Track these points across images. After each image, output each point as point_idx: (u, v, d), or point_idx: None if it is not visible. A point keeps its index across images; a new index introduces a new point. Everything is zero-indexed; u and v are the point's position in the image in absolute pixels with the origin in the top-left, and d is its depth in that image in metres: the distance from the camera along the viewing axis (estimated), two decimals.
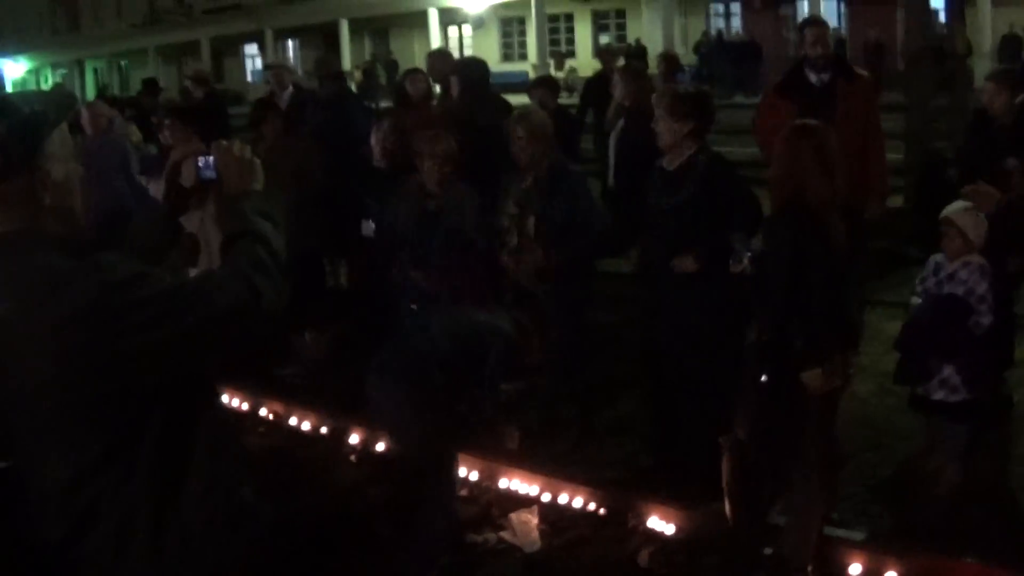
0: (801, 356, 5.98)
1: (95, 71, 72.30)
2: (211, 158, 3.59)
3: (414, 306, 8.24)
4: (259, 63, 59.74)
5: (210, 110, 13.99)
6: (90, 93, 63.86)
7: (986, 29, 35.32)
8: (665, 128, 7.29)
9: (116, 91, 57.51)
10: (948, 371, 6.53)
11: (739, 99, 37.63)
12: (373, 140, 9.10)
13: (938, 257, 6.76)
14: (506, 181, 8.39)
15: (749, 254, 6.50)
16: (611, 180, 10.91)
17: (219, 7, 61.12)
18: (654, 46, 34.94)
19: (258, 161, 3.57)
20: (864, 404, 8.57)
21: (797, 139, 6.24)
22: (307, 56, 58.21)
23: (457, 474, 6.98)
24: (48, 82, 69.86)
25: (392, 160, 8.99)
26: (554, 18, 50.36)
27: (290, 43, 61.27)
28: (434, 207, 8.29)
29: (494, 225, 8.33)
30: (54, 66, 74.18)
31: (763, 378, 6.14)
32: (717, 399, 6.94)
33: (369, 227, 8.91)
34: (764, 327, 6.29)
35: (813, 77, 9.29)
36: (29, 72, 72.38)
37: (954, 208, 6.76)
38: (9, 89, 59.39)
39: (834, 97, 9.03)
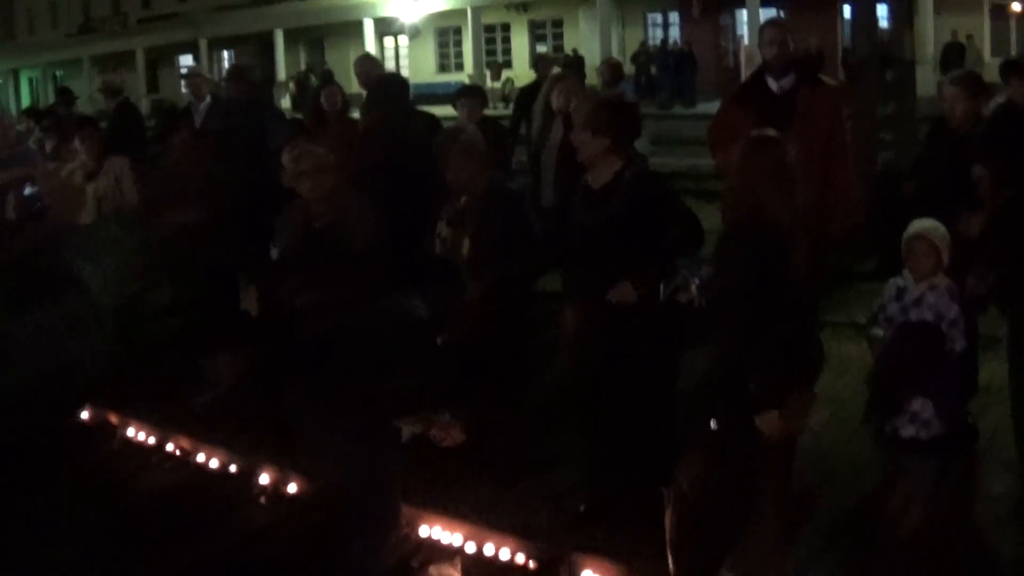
0: (756, 398, 5.29)
1: (30, 81, 71.31)
2: (36, 188, 2.90)
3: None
4: None
5: (120, 121, 13.20)
6: (25, 102, 63.08)
7: (928, 37, 34.95)
8: (582, 142, 6.69)
9: (51, 101, 56.60)
10: (919, 404, 5.97)
11: (677, 110, 37.40)
12: (284, 160, 8.36)
13: (900, 280, 6.19)
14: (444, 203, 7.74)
15: (697, 281, 5.78)
16: (543, 195, 10.21)
17: (154, 16, 60.74)
18: (592, 56, 34.43)
19: (88, 189, 2.86)
20: (816, 437, 7.80)
21: (755, 152, 5.57)
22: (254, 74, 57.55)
23: (399, 507, 6.25)
24: None
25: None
26: (490, 28, 49.93)
27: (225, 53, 60.65)
28: (321, 225, 7.55)
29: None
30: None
31: (712, 424, 5.43)
32: (656, 443, 6.31)
33: (276, 251, 8.22)
34: (714, 363, 5.58)
35: (773, 84, 8.33)
36: None
37: (926, 224, 6.16)
38: None
39: (795, 106, 8.10)
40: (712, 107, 35.20)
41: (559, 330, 7.60)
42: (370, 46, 48.44)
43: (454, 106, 11.24)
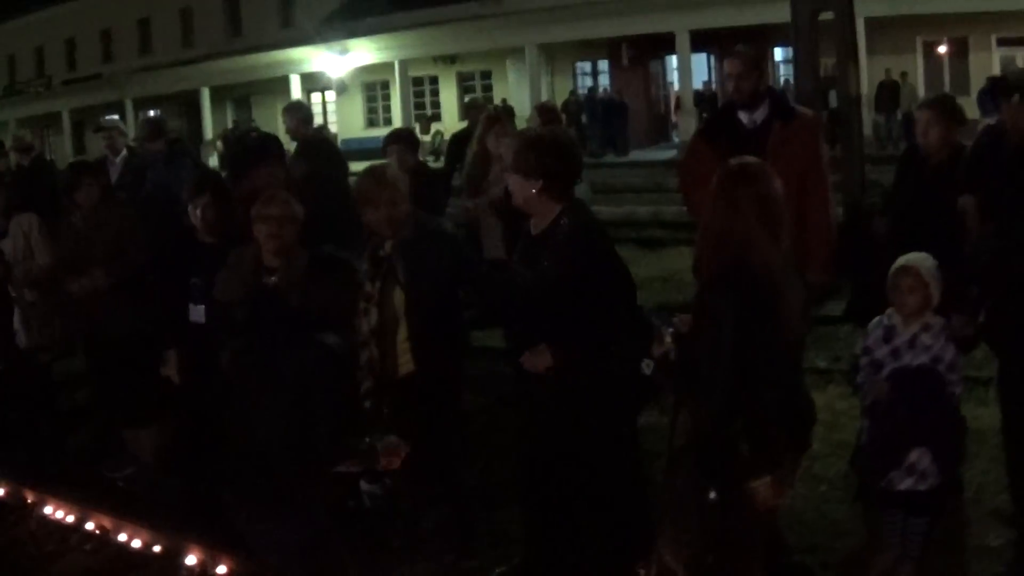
0: (749, 462, 4.65)
1: None
2: None
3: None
4: None
5: (32, 178, 12.45)
6: None
7: (862, 76, 34.68)
8: (512, 184, 6.01)
9: None
10: (917, 455, 5.45)
11: (610, 158, 37.09)
12: (191, 213, 7.70)
13: (887, 319, 5.60)
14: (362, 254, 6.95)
15: (671, 330, 5.09)
16: (485, 246, 9.57)
17: (78, 78, 60.08)
18: (521, 107, 34.03)
19: None
20: (791, 496, 7.21)
21: (735, 185, 4.91)
22: (170, 125, 56.94)
23: None
24: None
25: (218, 233, 7.63)
26: (419, 81, 49.58)
27: (152, 113, 59.70)
28: (274, 282, 6.86)
29: None
30: None
31: (712, 494, 4.76)
32: (619, 517, 5.70)
33: (198, 311, 7.54)
34: (700, 424, 4.88)
35: (744, 117, 7.45)
36: None
37: (913, 257, 5.65)
38: None
39: (768, 140, 7.21)
40: (645, 155, 35.39)
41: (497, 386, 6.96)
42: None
43: (384, 154, 10.12)
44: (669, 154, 33.97)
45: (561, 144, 6.05)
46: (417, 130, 42.63)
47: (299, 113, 11.37)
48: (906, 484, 5.44)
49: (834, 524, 6.81)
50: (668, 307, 4.99)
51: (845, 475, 6.98)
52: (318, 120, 51.62)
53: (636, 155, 37.76)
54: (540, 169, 5.83)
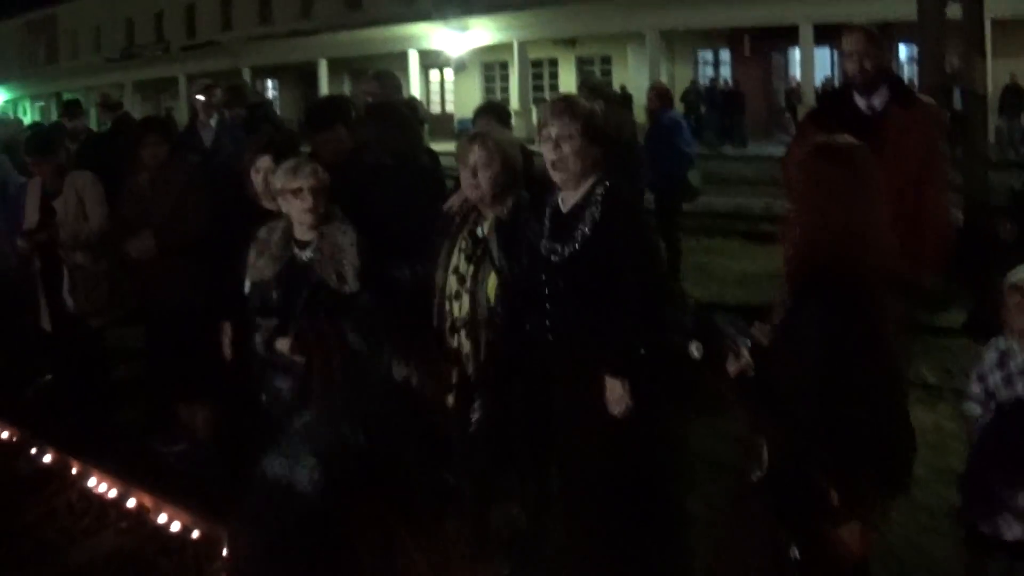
0: (837, 506, 3.89)
1: None
2: None
3: (282, 386, 6.45)
4: None
5: (112, 137, 12.11)
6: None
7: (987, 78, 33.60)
8: (573, 152, 5.39)
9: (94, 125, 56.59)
10: None
11: (727, 150, 36.39)
12: (252, 176, 7.25)
13: (1001, 343, 4.93)
14: (441, 226, 6.31)
15: (748, 343, 4.12)
16: None
17: (197, 44, 60.35)
18: (640, 94, 33.30)
19: None
20: (886, 529, 6.53)
21: (827, 164, 4.04)
22: (286, 97, 57.20)
23: None
24: (27, 113, 68.55)
25: None
26: (537, 63, 49.06)
27: (269, 83, 60.15)
28: (306, 258, 6.40)
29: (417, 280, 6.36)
30: (33, 98, 73.37)
31: (793, 553, 3.97)
32: (646, 527, 5.22)
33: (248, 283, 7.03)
34: (779, 459, 4.06)
35: (861, 102, 6.80)
36: (7, 103, 71.06)
37: None
38: None
39: (886, 128, 6.52)
40: (762, 148, 34.49)
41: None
42: (415, 78, 48.70)
43: (472, 126, 9.58)
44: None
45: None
46: (534, 112, 42.45)
47: (388, 82, 10.81)
48: (1015, 533, 4.84)
49: (931, 562, 6.19)
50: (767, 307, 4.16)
51: (949, 507, 6.23)
52: (435, 99, 51.66)
53: (753, 148, 36.91)
54: (602, 137, 5.48)
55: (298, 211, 6.38)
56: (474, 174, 5.96)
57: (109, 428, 8.97)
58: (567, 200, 5.49)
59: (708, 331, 4.27)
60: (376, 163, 7.13)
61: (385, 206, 6.74)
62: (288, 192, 6.39)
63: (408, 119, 7.85)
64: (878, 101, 6.69)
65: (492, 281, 5.94)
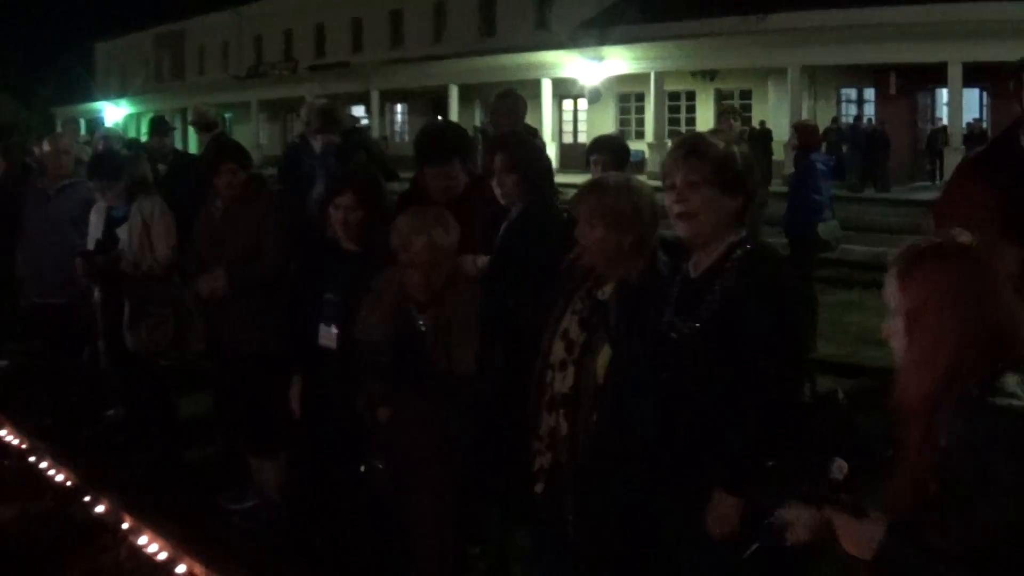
0: None
1: None
2: None
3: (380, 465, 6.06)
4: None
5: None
6: (192, 143, 63.78)
7: None
8: (702, 203, 4.50)
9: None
10: None
11: (868, 193, 35.42)
12: (332, 214, 6.69)
13: None
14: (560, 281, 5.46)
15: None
16: None
17: (325, 64, 60.77)
18: (779, 130, 32.45)
19: None
20: None
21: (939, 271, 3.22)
22: (415, 122, 57.23)
23: None
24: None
25: (364, 241, 6.65)
26: (675, 96, 48.59)
27: (399, 107, 60.41)
28: (421, 326, 5.79)
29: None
30: (156, 113, 73.71)
31: None
32: None
33: (328, 334, 6.60)
34: None
35: None
36: (129, 116, 71.98)
37: None
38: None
39: None
40: (906, 193, 33.40)
41: None
42: (547, 107, 48.60)
43: (586, 165, 8.95)
44: (932, 194, 32.14)
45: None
46: (668, 146, 41.94)
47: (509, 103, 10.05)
48: None
49: None
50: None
51: None
52: (567, 128, 51.26)
53: (897, 192, 35.86)
54: (743, 184, 4.54)
55: (412, 282, 5.80)
56: (592, 235, 5.11)
57: (173, 475, 8.52)
58: (699, 263, 4.64)
59: (855, 443, 3.43)
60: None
61: (511, 255, 6.07)
62: (402, 251, 5.82)
63: (539, 149, 7.05)
64: None
65: (605, 354, 5.12)
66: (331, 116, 11.04)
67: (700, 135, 4.91)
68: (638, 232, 5.05)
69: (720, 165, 4.48)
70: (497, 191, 6.13)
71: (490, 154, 6.25)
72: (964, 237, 3.22)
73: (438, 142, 7.19)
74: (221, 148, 8.39)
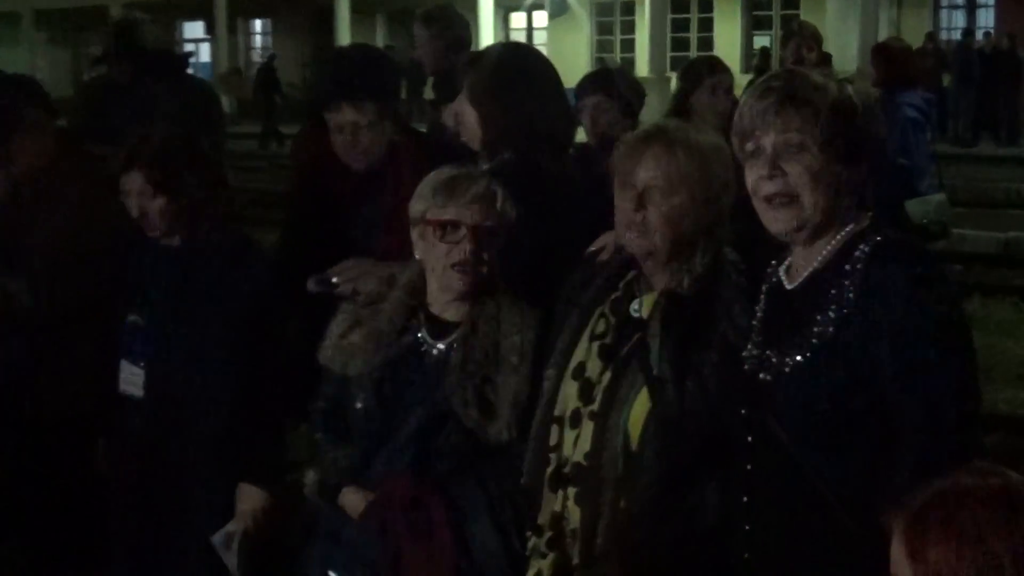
0: None
1: None
2: None
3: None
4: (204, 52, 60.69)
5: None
6: None
7: None
8: (809, 178, 4.34)
9: None
10: None
11: (985, 148, 35.36)
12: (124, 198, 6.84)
13: None
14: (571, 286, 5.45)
15: None
16: None
17: None
18: (842, 52, 32.41)
19: None
20: None
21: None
22: (283, 46, 57.94)
23: None
24: None
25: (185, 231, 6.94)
26: (682, 5, 49.74)
27: (257, 24, 61.59)
28: (436, 354, 5.63)
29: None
30: None
31: None
32: None
33: (134, 377, 6.94)
34: None
35: None
36: None
37: None
38: None
39: None
40: None
41: None
42: (487, 24, 48.25)
43: (577, 104, 9.01)
44: None
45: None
46: (672, 83, 42.21)
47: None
48: None
49: None
50: None
51: None
52: None
53: None
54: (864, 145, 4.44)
55: (443, 266, 5.54)
56: (641, 205, 4.98)
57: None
58: (799, 267, 4.53)
59: None
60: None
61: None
62: (432, 226, 5.55)
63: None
64: None
65: (642, 404, 4.97)
66: (130, 34, 10.95)
67: (797, 71, 4.80)
68: (713, 214, 4.96)
69: (834, 117, 4.32)
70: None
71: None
72: None
73: (375, 69, 7.37)
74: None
